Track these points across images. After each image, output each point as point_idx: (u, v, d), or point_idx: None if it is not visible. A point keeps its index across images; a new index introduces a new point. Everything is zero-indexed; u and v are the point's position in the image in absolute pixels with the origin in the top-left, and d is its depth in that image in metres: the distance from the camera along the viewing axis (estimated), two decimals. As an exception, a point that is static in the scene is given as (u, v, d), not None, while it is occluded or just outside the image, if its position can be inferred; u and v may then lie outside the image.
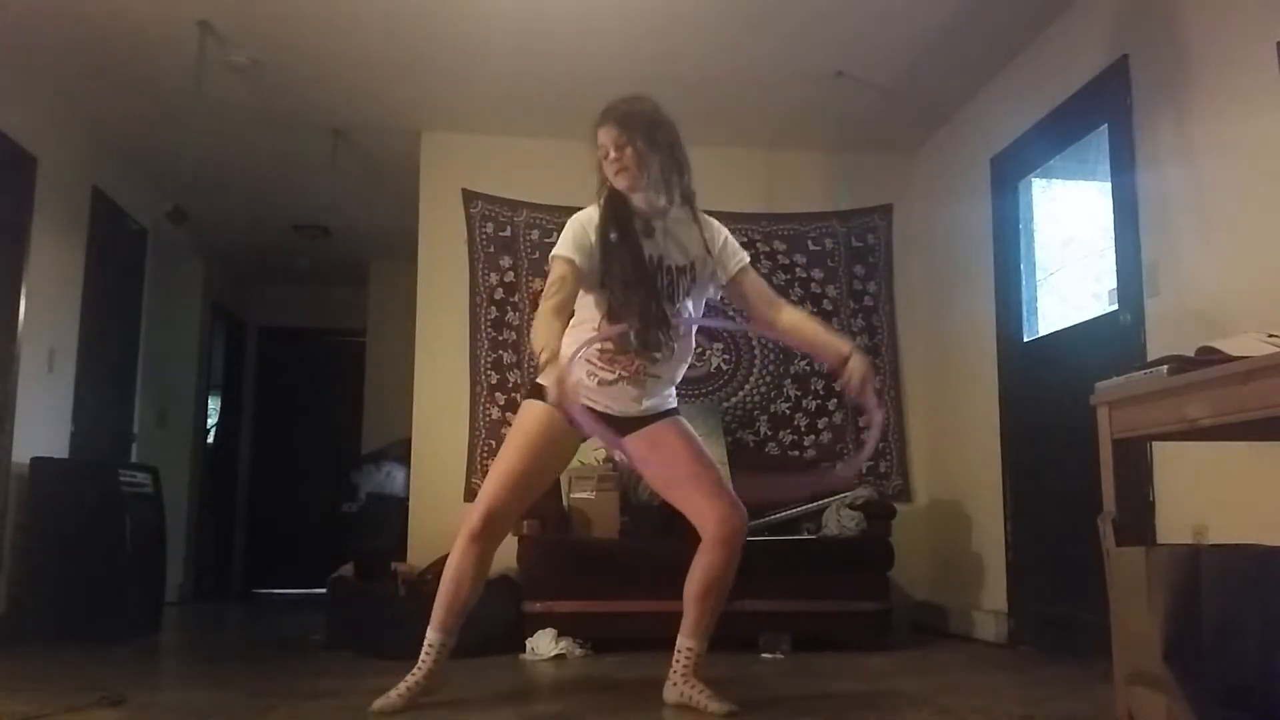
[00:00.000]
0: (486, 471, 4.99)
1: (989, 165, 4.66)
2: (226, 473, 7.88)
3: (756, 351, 5.30)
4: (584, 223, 2.75)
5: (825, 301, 5.38)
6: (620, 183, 2.71)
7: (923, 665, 3.79)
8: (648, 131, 2.75)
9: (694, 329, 2.87)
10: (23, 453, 4.53)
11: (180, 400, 6.95)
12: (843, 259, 5.43)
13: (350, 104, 4.99)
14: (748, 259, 2.90)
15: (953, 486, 5.02)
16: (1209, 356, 2.03)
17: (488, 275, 5.15)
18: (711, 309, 3.00)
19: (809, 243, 5.43)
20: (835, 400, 5.28)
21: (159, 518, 5.06)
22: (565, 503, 4.43)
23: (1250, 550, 2.12)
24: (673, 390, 2.87)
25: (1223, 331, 2.19)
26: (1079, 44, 3.96)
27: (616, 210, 2.73)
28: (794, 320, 2.85)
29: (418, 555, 4.66)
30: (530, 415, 2.74)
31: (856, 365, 2.61)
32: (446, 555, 4.38)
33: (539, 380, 2.65)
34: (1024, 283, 4.46)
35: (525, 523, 4.21)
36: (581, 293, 2.74)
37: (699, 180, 5.73)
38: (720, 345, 5.28)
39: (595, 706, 2.87)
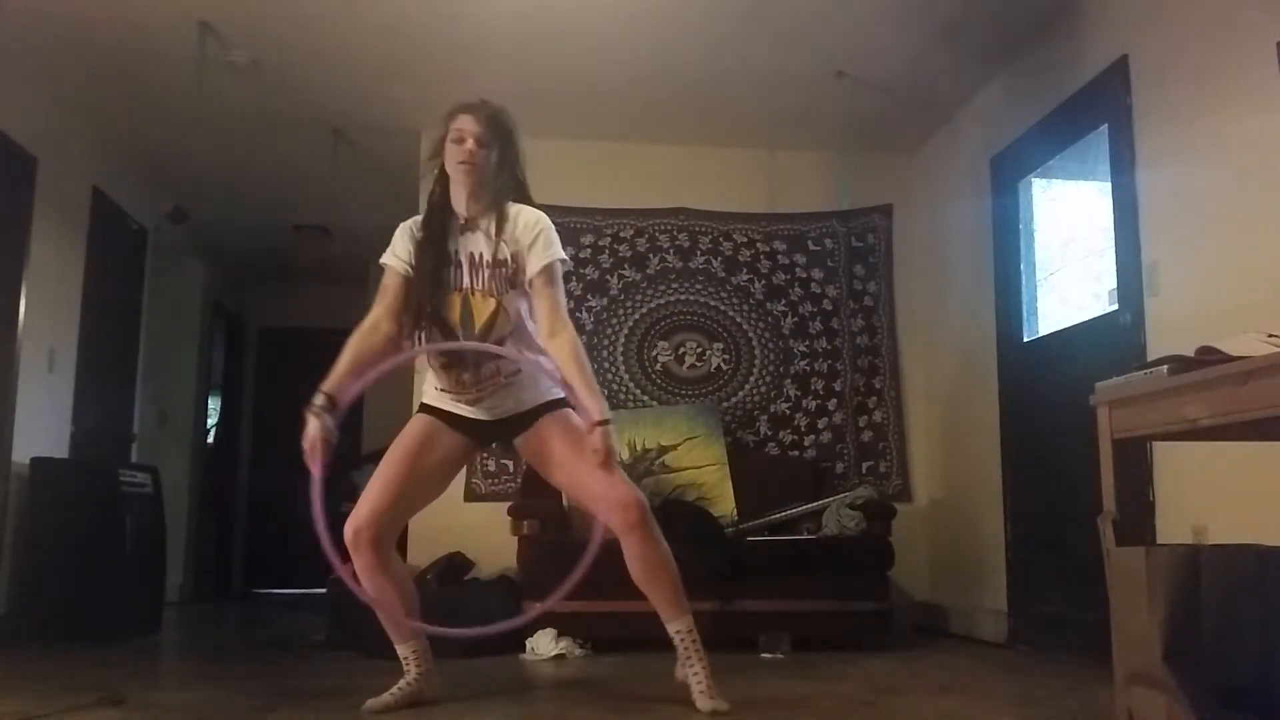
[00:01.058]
0: (487, 471, 5.05)
1: (989, 165, 4.66)
2: (226, 473, 7.88)
3: (756, 351, 5.30)
4: (408, 225, 2.78)
5: (825, 301, 5.38)
6: (459, 174, 2.66)
7: (923, 665, 3.79)
8: (506, 144, 2.71)
9: (525, 317, 2.73)
10: (23, 453, 4.53)
11: (180, 400, 6.94)
12: (843, 259, 5.43)
13: (350, 104, 4.99)
14: (553, 261, 2.67)
15: (953, 486, 5.02)
16: (1209, 356, 2.03)
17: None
18: None
19: (809, 243, 5.43)
20: (835, 400, 5.28)
21: (159, 518, 5.06)
22: (565, 503, 4.43)
23: (1250, 550, 2.12)
24: (545, 380, 2.73)
25: (1223, 331, 2.19)
26: (1079, 44, 3.96)
27: (435, 209, 2.73)
28: (560, 356, 2.63)
29: (418, 555, 4.66)
30: (412, 425, 2.79)
31: (600, 437, 2.53)
32: (447, 555, 4.42)
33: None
34: (1024, 283, 4.46)
35: (525, 523, 4.21)
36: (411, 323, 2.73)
37: (700, 180, 5.77)
38: (720, 345, 5.28)
39: (595, 706, 2.87)
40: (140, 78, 4.63)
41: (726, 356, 5.28)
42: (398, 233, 2.79)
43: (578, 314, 5.19)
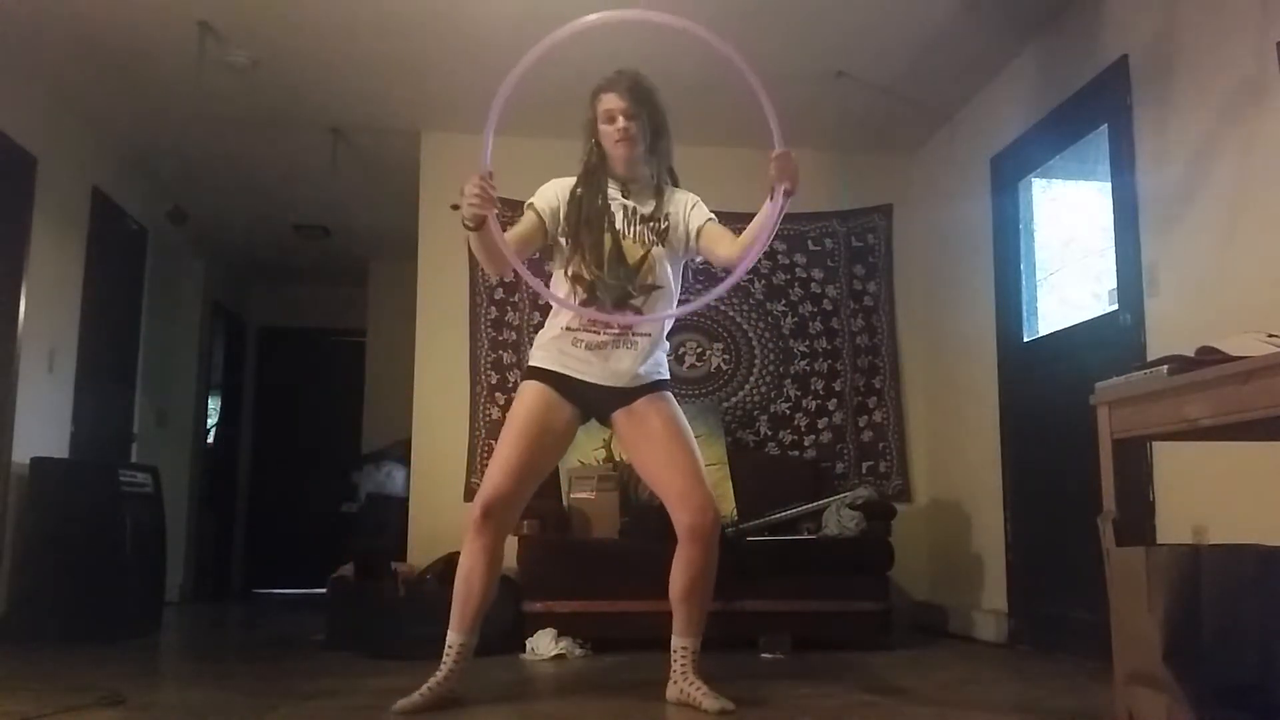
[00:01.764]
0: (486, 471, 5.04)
1: (989, 165, 4.66)
2: (226, 473, 7.88)
3: (756, 351, 5.30)
4: (557, 184, 2.86)
5: (825, 301, 5.38)
6: (620, 150, 2.79)
7: (923, 665, 3.79)
8: (654, 109, 2.84)
9: (674, 289, 2.86)
10: (23, 453, 4.54)
11: (180, 400, 6.94)
12: (843, 259, 5.44)
13: (350, 104, 4.99)
14: (713, 217, 2.89)
15: (953, 486, 5.02)
16: (1209, 356, 2.03)
17: (488, 275, 5.15)
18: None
19: (809, 243, 5.43)
20: (835, 400, 5.28)
21: (159, 518, 5.06)
22: (565, 503, 4.43)
23: (1250, 550, 2.12)
24: (663, 358, 2.85)
25: (1223, 331, 2.19)
26: (1079, 44, 3.96)
27: (595, 175, 2.82)
28: (749, 232, 2.79)
29: (418, 555, 4.66)
30: (525, 397, 2.76)
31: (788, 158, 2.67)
32: (446, 555, 4.41)
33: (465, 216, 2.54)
34: (1024, 283, 4.46)
35: (525, 522, 4.20)
36: (556, 274, 2.81)
37: (700, 180, 5.74)
38: (720, 345, 5.28)
39: (595, 706, 2.87)
40: (140, 78, 4.63)
41: (726, 356, 5.28)
42: (546, 185, 2.86)
43: (578, 314, 5.19)
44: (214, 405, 7.68)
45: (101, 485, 4.64)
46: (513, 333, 5.14)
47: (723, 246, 2.81)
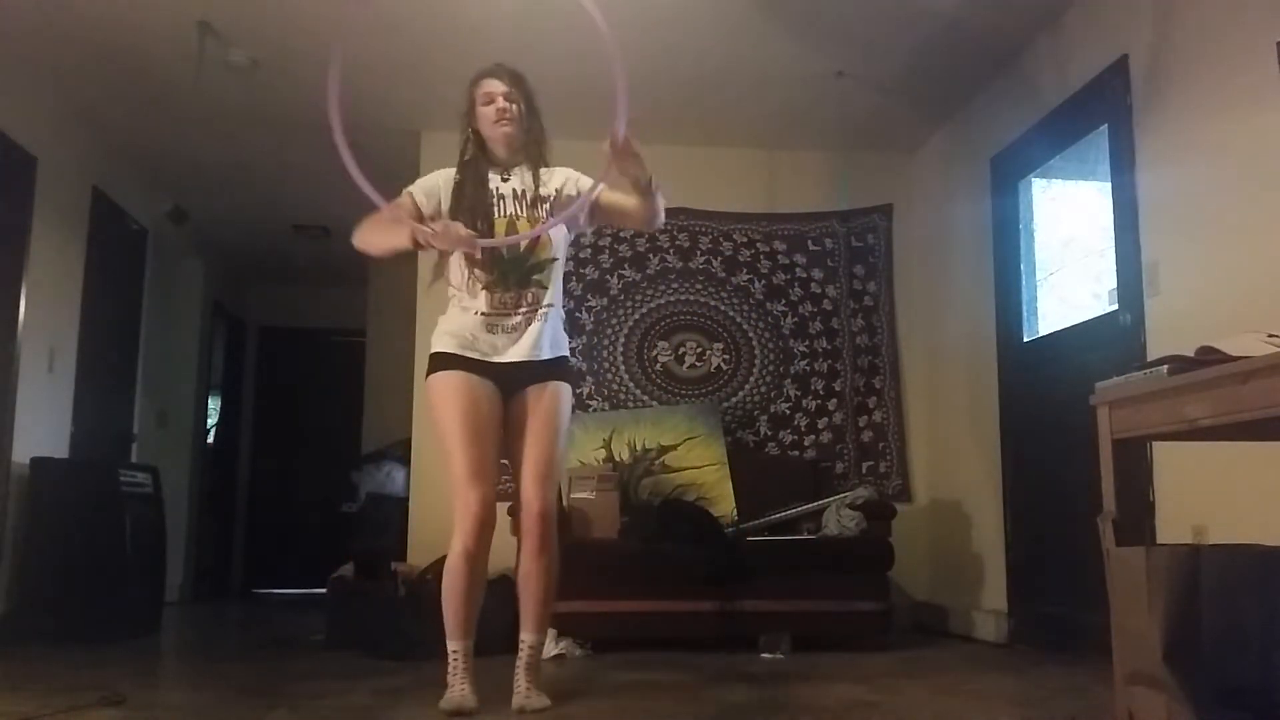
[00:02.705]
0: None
1: (989, 165, 4.66)
2: (226, 473, 7.88)
3: (756, 351, 5.30)
4: (439, 174, 2.91)
5: (825, 301, 5.38)
6: (499, 130, 2.83)
7: (923, 665, 3.79)
8: (528, 92, 2.90)
9: (563, 258, 2.88)
10: (23, 453, 4.54)
11: (180, 400, 6.94)
12: (843, 259, 5.43)
13: (350, 104, 4.97)
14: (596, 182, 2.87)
15: (953, 486, 5.02)
16: (1209, 356, 2.03)
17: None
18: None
19: (809, 243, 5.43)
20: (835, 400, 5.28)
21: (159, 518, 5.06)
22: (565, 503, 4.43)
23: (1250, 550, 2.12)
24: (562, 339, 2.87)
25: (1223, 331, 2.19)
26: (1079, 44, 3.96)
27: (474, 164, 2.86)
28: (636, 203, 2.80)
29: (418, 555, 4.66)
30: (436, 391, 2.75)
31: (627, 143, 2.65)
32: (446, 555, 4.40)
33: (433, 243, 2.66)
34: (1024, 283, 4.46)
35: (525, 523, 4.20)
36: (452, 264, 2.83)
37: (700, 180, 5.76)
38: (720, 345, 5.28)
39: (595, 706, 2.87)
40: (140, 78, 4.63)
41: (726, 356, 5.28)
42: (429, 175, 2.92)
43: (577, 314, 5.20)
44: (214, 405, 7.68)
45: (101, 485, 4.64)
46: (513, 333, 5.14)
47: (629, 203, 2.81)
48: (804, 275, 5.40)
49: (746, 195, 5.40)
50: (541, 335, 2.78)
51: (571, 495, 4.41)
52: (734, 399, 5.23)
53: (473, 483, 2.66)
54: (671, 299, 5.31)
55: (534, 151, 2.88)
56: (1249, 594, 2.02)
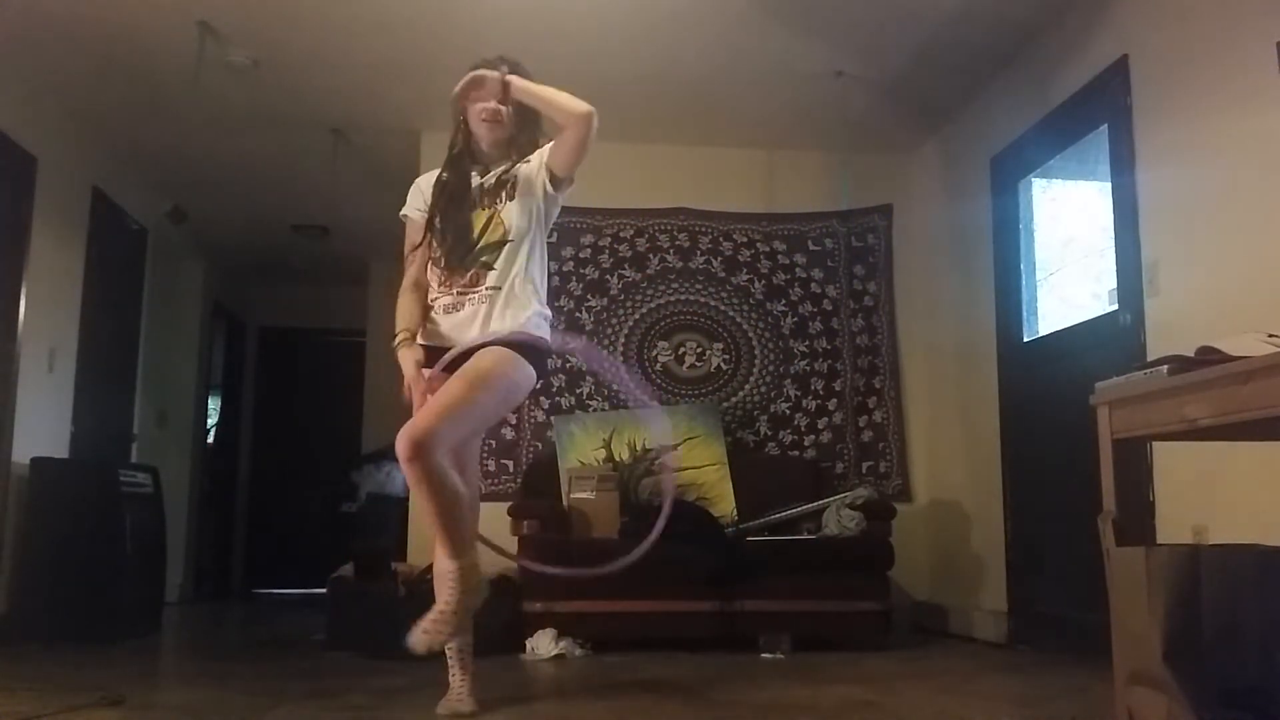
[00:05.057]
0: (487, 471, 5.04)
1: (989, 165, 4.66)
2: (226, 473, 7.88)
3: (756, 351, 5.30)
4: (419, 182, 2.90)
5: (825, 301, 5.38)
6: (484, 130, 2.78)
7: (923, 665, 3.79)
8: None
9: (533, 236, 2.78)
10: (23, 453, 4.53)
11: (180, 400, 6.94)
12: (843, 259, 5.43)
13: (350, 104, 4.99)
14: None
15: (953, 486, 5.02)
16: (1209, 356, 2.02)
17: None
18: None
19: (809, 243, 5.43)
20: (835, 400, 5.28)
21: (159, 518, 5.06)
22: (565, 503, 4.43)
23: (1250, 550, 2.12)
24: (529, 316, 2.72)
25: (1223, 331, 2.19)
26: (1079, 44, 3.96)
27: (460, 161, 2.82)
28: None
29: (418, 555, 4.65)
30: (406, 366, 2.77)
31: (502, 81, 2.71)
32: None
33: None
34: (1024, 283, 4.46)
35: (525, 522, 4.21)
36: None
37: (700, 180, 5.76)
38: (720, 345, 5.28)
39: (595, 706, 2.87)
40: (140, 78, 4.63)
41: (726, 356, 5.28)
42: (411, 191, 2.90)
43: (577, 314, 5.20)
44: (214, 405, 7.68)
45: (101, 485, 4.64)
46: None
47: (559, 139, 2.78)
48: (804, 275, 5.40)
49: (746, 195, 5.40)
50: (490, 318, 2.69)
51: (571, 495, 4.41)
52: (734, 399, 5.23)
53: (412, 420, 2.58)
54: (671, 299, 5.31)
55: (523, 144, 2.82)
56: (1249, 594, 2.02)
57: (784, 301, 5.36)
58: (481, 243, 2.74)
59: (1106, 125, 3.76)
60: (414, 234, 2.85)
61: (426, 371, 2.72)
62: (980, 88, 4.72)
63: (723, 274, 5.35)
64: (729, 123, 5.16)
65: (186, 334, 7.06)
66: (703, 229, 5.37)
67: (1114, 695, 2.16)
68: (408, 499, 5.09)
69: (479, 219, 2.76)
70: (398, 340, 2.75)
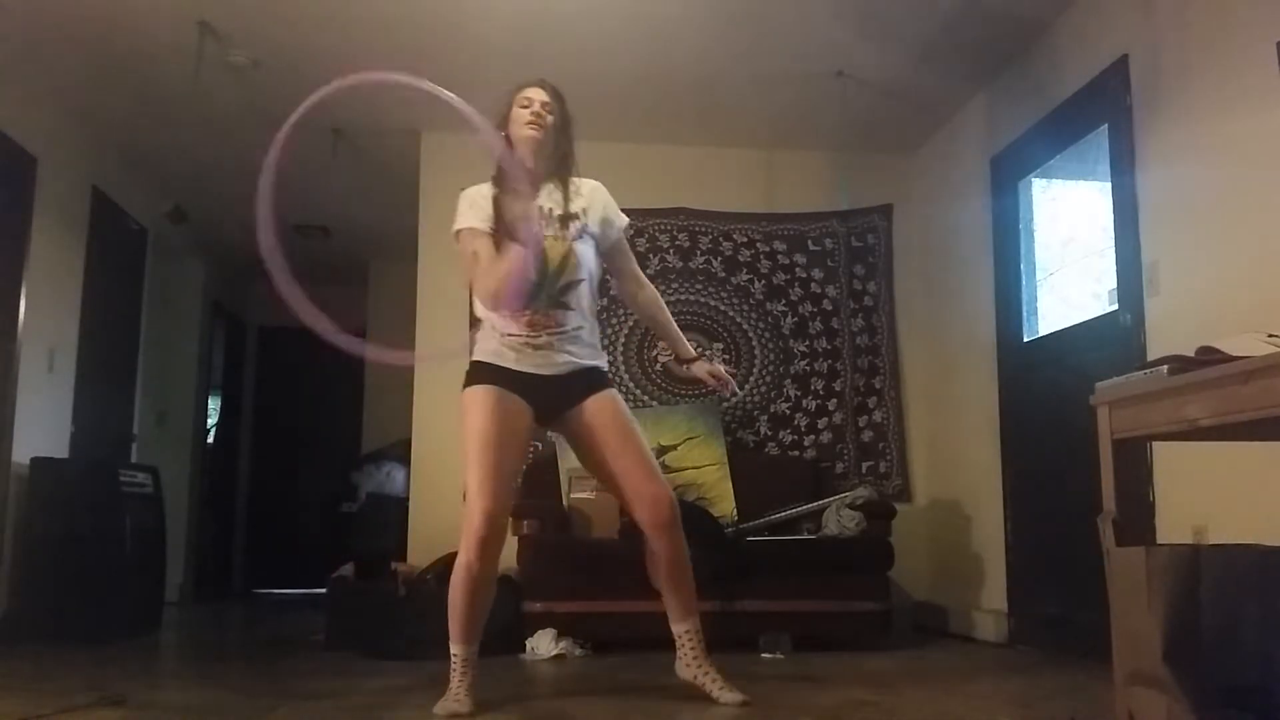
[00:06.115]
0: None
1: (989, 165, 4.66)
2: (226, 473, 7.88)
3: (756, 351, 5.30)
4: (474, 193, 2.89)
5: (825, 301, 5.38)
6: (527, 132, 2.84)
7: (923, 665, 3.79)
8: (565, 114, 2.92)
9: (593, 285, 2.90)
10: (23, 453, 4.54)
11: (180, 400, 6.94)
12: (843, 259, 5.43)
13: (350, 104, 4.98)
14: (626, 224, 3.01)
15: (953, 486, 5.02)
16: (1209, 356, 2.02)
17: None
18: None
19: (809, 243, 5.43)
20: (835, 400, 5.28)
21: (159, 518, 5.06)
22: (565, 503, 4.43)
23: (1250, 550, 2.12)
24: (597, 340, 2.91)
25: (1223, 331, 2.19)
26: (1079, 44, 3.96)
27: (508, 169, 2.85)
28: (654, 300, 3.06)
29: (418, 555, 4.66)
30: (474, 403, 2.77)
31: (707, 365, 3.01)
32: (446, 555, 4.40)
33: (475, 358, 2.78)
34: (1024, 283, 4.46)
35: (525, 522, 4.21)
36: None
37: (700, 180, 5.76)
38: (720, 345, 5.28)
39: (595, 706, 2.87)
40: (140, 78, 4.63)
41: (726, 356, 5.27)
42: (464, 201, 2.88)
43: (578, 314, 5.19)
44: (214, 405, 7.68)
45: (101, 485, 4.64)
46: (513, 333, 5.14)
47: (628, 279, 3.05)
48: (804, 275, 5.40)
49: (746, 195, 5.40)
50: (567, 352, 2.78)
51: (571, 495, 4.41)
52: (734, 399, 5.23)
53: (480, 495, 2.67)
54: (671, 299, 5.31)
55: (563, 167, 2.89)
56: (1249, 594, 2.02)
57: (784, 301, 5.36)
58: (562, 281, 2.78)
59: (1106, 125, 3.76)
60: (480, 244, 2.78)
61: (494, 390, 2.75)
62: (980, 88, 4.73)
63: (723, 274, 5.35)
64: (729, 123, 5.16)
65: (186, 334, 7.06)
66: (703, 229, 5.37)
67: (1114, 695, 2.16)
68: (408, 499, 5.10)
69: (554, 249, 2.78)
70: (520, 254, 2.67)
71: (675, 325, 3.08)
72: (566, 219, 2.83)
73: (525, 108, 2.84)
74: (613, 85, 4.69)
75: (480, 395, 2.76)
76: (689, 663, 2.82)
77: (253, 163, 6.24)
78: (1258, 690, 1.96)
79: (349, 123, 5.19)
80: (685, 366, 3.04)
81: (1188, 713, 1.91)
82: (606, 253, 2.95)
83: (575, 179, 2.91)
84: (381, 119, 5.13)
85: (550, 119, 2.84)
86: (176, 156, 5.65)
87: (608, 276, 3.12)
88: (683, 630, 2.83)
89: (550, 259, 2.77)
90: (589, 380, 2.82)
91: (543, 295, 2.75)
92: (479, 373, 2.80)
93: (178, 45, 4.24)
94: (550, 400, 2.79)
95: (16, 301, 4.57)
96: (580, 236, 2.83)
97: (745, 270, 5.36)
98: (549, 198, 2.85)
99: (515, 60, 4.49)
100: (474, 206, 2.83)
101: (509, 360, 2.77)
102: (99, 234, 5.34)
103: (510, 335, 2.77)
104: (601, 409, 2.80)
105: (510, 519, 4.23)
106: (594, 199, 2.91)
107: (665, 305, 3.11)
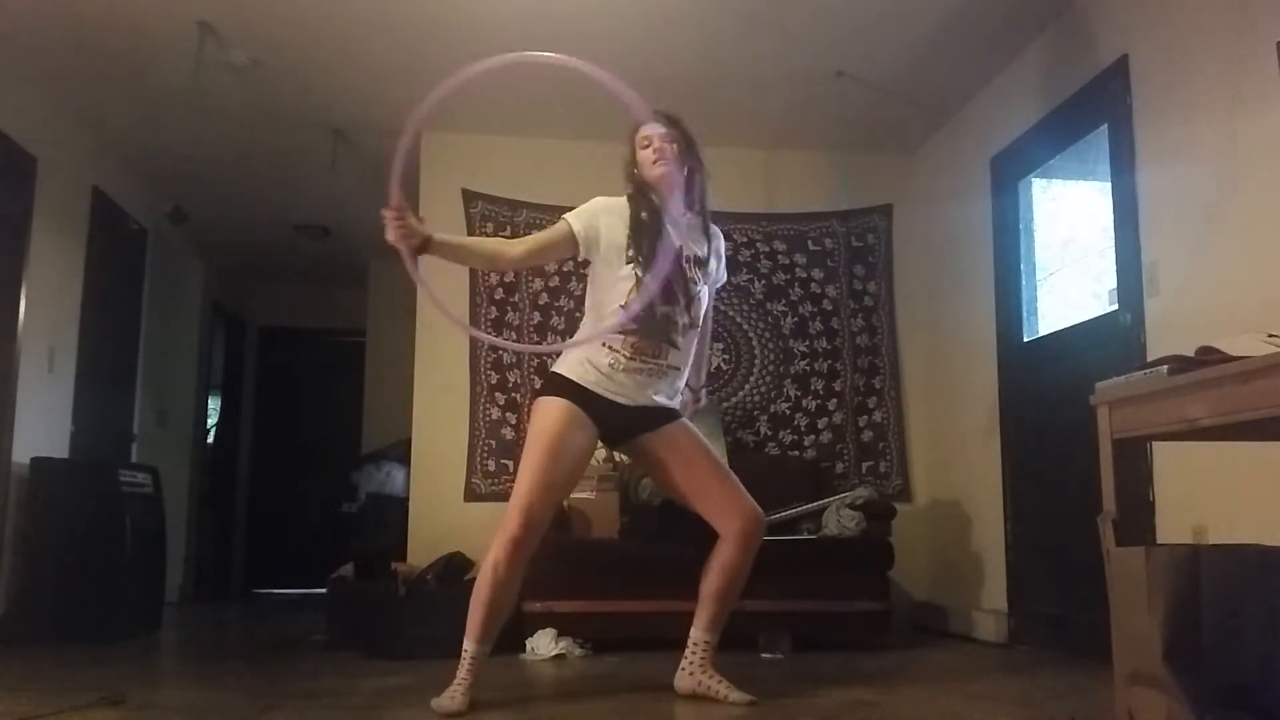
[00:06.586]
0: (487, 471, 5.04)
1: (989, 165, 4.66)
2: (226, 473, 7.88)
3: (756, 351, 5.30)
4: (603, 204, 2.86)
5: (825, 301, 5.38)
6: (656, 171, 2.83)
7: (923, 665, 3.79)
8: (688, 141, 2.90)
9: (703, 333, 3.00)
10: (23, 453, 4.54)
11: (180, 400, 6.94)
12: (843, 259, 5.44)
13: (350, 104, 4.99)
14: (725, 279, 3.10)
15: (953, 486, 5.02)
16: (1209, 356, 2.03)
17: (488, 275, 5.14)
18: None
19: (809, 243, 5.43)
20: (835, 400, 5.28)
21: (159, 518, 5.06)
22: (565, 503, 4.43)
23: (1250, 550, 2.12)
24: (680, 390, 2.94)
25: (1223, 331, 2.19)
26: (1079, 44, 3.96)
27: (646, 198, 2.84)
28: (701, 334, 3.03)
29: (418, 555, 4.66)
30: (549, 413, 2.78)
31: (689, 397, 3.00)
32: (446, 555, 4.41)
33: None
34: (1024, 283, 4.46)
35: (525, 523, 4.20)
36: (601, 280, 2.84)
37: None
38: (720, 345, 5.28)
39: (595, 706, 2.87)
40: (140, 78, 4.63)
41: (726, 356, 5.28)
42: (594, 205, 2.87)
43: (577, 314, 5.16)
44: (214, 405, 7.68)
45: (101, 485, 4.64)
46: (512, 333, 5.14)
47: (703, 326, 3.02)
48: (804, 275, 5.40)
49: (746, 195, 5.40)
50: (654, 390, 2.81)
51: (572, 495, 4.40)
52: (734, 399, 5.23)
53: (525, 496, 2.70)
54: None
55: (701, 201, 2.91)
56: (1249, 594, 2.02)
57: (784, 301, 5.36)
58: (682, 321, 2.81)
59: (1106, 125, 3.76)
60: (564, 242, 2.81)
61: (571, 407, 2.77)
62: (980, 88, 4.73)
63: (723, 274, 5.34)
64: (729, 123, 5.16)
65: (186, 334, 7.05)
66: (703, 229, 5.36)
67: (1114, 695, 2.17)
68: (408, 499, 5.10)
69: (688, 289, 2.81)
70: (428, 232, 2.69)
71: (707, 358, 3.15)
72: (699, 261, 2.87)
73: (646, 147, 2.85)
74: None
75: (557, 407, 2.77)
76: (693, 671, 2.85)
77: (253, 163, 6.28)
78: (1258, 690, 1.96)
79: (349, 123, 5.19)
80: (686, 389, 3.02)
81: (1188, 713, 1.91)
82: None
83: (708, 224, 2.94)
84: (381, 119, 5.13)
85: (673, 148, 2.84)
86: (176, 156, 5.65)
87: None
88: (704, 639, 2.87)
89: (683, 295, 2.80)
90: (666, 415, 2.87)
91: (662, 329, 2.77)
92: (560, 386, 2.80)
93: (178, 45, 4.24)
94: (622, 426, 2.83)
95: (16, 301, 4.57)
96: (704, 282, 2.89)
97: (745, 270, 5.36)
98: (689, 234, 2.87)
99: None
100: (589, 209, 2.85)
101: (590, 381, 2.77)
102: (99, 234, 5.34)
103: (613, 350, 2.77)
104: (677, 435, 2.85)
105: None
106: (718, 249, 2.97)
107: (709, 338, 3.18)
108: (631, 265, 2.77)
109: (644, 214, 2.81)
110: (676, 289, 2.77)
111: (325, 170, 5.52)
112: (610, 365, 2.76)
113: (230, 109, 4.93)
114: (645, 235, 2.77)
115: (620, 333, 2.75)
